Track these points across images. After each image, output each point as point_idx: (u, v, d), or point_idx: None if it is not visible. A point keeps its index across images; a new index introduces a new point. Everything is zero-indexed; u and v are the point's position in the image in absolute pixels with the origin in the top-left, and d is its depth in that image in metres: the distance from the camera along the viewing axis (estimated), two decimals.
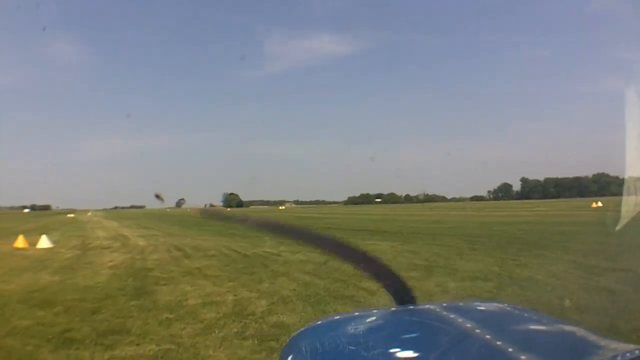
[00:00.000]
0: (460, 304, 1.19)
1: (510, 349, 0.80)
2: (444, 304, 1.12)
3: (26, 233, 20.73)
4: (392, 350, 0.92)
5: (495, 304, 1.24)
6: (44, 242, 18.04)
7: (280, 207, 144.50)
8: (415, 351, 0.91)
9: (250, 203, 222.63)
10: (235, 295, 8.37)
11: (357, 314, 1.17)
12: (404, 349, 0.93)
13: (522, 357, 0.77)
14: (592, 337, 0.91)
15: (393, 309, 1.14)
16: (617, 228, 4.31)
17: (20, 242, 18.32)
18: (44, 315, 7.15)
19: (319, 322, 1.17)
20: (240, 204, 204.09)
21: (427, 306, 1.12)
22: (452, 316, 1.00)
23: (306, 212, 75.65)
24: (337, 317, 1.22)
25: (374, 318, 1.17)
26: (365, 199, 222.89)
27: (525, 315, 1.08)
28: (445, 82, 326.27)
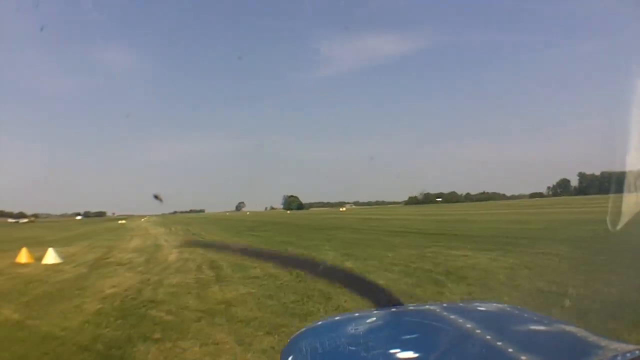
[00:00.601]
0: (461, 304, 1.39)
1: (510, 350, 0.81)
2: (444, 305, 1.14)
3: (51, 244, 18.32)
4: (392, 351, 0.93)
5: (495, 305, 1.27)
6: (50, 257, 14.31)
7: (340, 209, 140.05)
8: (416, 352, 0.93)
9: (311, 205, 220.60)
10: None
11: (357, 314, 1.18)
12: (404, 349, 0.94)
13: (522, 357, 0.78)
14: (592, 338, 0.91)
15: (393, 309, 1.21)
16: None
17: (23, 256, 14.69)
18: None
19: (319, 323, 1.23)
20: (301, 206, 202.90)
21: (427, 306, 1.18)
22: (452, 317, 1.02)
23: (369, 214, 70.17)
24: (337, 317, 1.26)
25: (374, 319, 1.19)
26: (426, 199, 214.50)
27: (525, 315, 1.10)
28: (499, 80, 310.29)
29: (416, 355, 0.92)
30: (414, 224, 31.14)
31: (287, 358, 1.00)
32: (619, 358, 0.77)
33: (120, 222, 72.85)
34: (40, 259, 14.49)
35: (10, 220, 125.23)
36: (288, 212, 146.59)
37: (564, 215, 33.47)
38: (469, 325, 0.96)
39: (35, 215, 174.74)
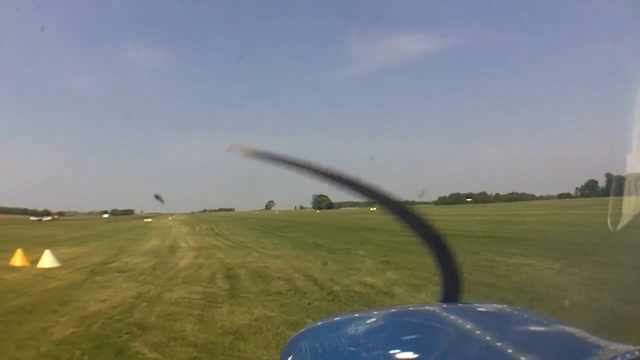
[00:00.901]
0: (460, 305, 1.13)
1: (510, 350, 0.80)
2: (444, 305, 1.11)
3: (60, 243, 16.42)
4: (392, 351, 0.90)
5: (495, 305, 1.21)
6: (46, 260, 12.54)
7: (371, 209, 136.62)
8: (416, 352, 0.90)
9: (341, 205, 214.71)
10: None
11: (357, 314, 1.16)
12: (404, 350, 0.91)
13: (522, 358, 0.77)
14: (592, 338, 0.89)
15: (393, 309, 1.18)
16: None
17: (18, 259, 12.97)
18: None
19: (319, 323, 1.18)
20: (331, 205, 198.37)
21: (427, 307, 1.14)
22: (452, 317, 1.00)
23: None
24: (337, 318, 1.21)
25: (374, 319, 1.15)
26: (456, 199, 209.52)
27: (525, 316, 1.07)
28: (527, 79, 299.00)
29: (416, 355, 0.88)
30: (454, 225, 28.30)
31: (287, 358, 0.97)
32: (618, 358, 0.75)
33: (145, 220, 72.13)
34: (37, 261, 12.73)
35: (32, 218, 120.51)
36: (318, 211, 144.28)
37: (602, 217, 30.41)
38: (468, 326, 0.92)
39: (61, 213, 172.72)
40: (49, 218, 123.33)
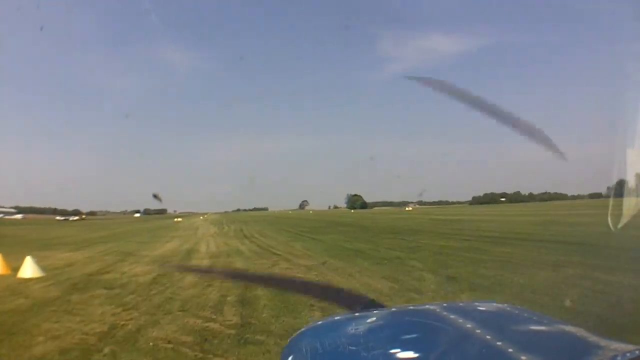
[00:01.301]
0: (461, 304, 1.20)
1: (510, 350, 0.80)
2: (444, 304, 1.12)
3: (63, 246, 15.30)
4: (392, 351, 0.91)
5: (495, 304, 1.23)
6: (26, 269, 10.20)
7: (407, 209, 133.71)
8: (416, 352, 0.91)
9: (374, 204, 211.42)
10: None
11: (357, 314, 1.17)
12: (404, 349, 0.93)
13: (522, 357, 0.76)
14: (592, 338, 0.90)
15: (394, 309, 1.27)
16: None
17: None
18: None
19: (320, 323, 1.23)
20: (364, 205, 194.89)
21: (427, 306, 1.15)
22: (452, 317, 1.01)
23: (439, 213, 63.34)
24: (338, 317, 1.23)
25: (374, 318, 1.17)
26: (490, 199, 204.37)
27: (525, 315, 1.08)
28: (560, 77, 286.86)
29: (416, 355, 0.90)
30: (506, 227, 24.85)
31: (287, 358, 0.98)
32: (618, 358, 0.75)
33: (176, 219, 70.86)
34: (19, 269, 10.41)
35: (58, 218, 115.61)
36: (352, 211, 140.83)
37: None
38: (469, 325, 0.94)
39: (92, 213, 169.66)
40: (76, 218, 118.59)
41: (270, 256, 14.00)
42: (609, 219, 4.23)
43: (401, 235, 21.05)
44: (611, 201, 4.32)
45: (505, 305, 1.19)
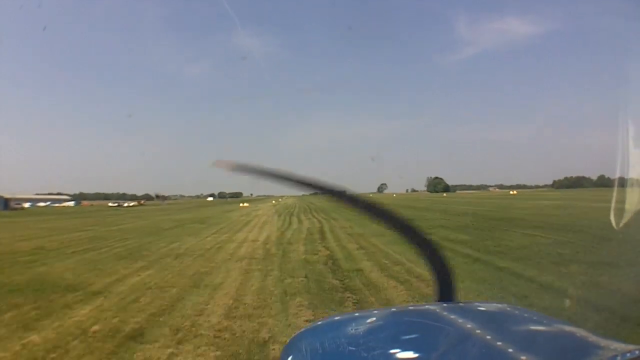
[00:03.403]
0: (461, 304, 1.13)
1: (510, 350, 0.78)
2: (444, 304, 1.08)
3: None
4: (392, 351, 0.89)
5: (495, 304, 1.21)
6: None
7: (511, 192, 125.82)
8: (416, 352, 0.89)
9: (456, 187, 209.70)
10: None
11: (357, 314, 1.15)
12: (404, 349, 0.90)
13: (522, 357, 0.75)
14: (592, 338, 0.88)
15: (394, 309, 1.19)
16: None
17: None
18: None
19: (319, 323, 1.16)
20: (447, 188, 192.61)
21: (427, 306, 1.13)
22: (452, 316, 0.98)
23: (530, 197, 54.22)
24: (337, 317, 1.20)
25: (375, 318, 1.15)
26: (572, 182, 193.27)
27: (525, 315, 1.06)
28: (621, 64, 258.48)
29: (416, 355, 0.88)
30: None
31: (287, 358, 0.96)
32: (618, 358, 0.75)
33: (241, 204, 65.62)
34: None
35: (110, 204, 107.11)
36: (445, 194, 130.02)
37: None
38: (469, 325, 0.92)
39: (163, 197, 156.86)
40: (132, 203, 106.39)
41: (347, 258, 9.94)
42: None
43: (525, 231, 15.78)
44: None
45: (505, 305, 1.16)
